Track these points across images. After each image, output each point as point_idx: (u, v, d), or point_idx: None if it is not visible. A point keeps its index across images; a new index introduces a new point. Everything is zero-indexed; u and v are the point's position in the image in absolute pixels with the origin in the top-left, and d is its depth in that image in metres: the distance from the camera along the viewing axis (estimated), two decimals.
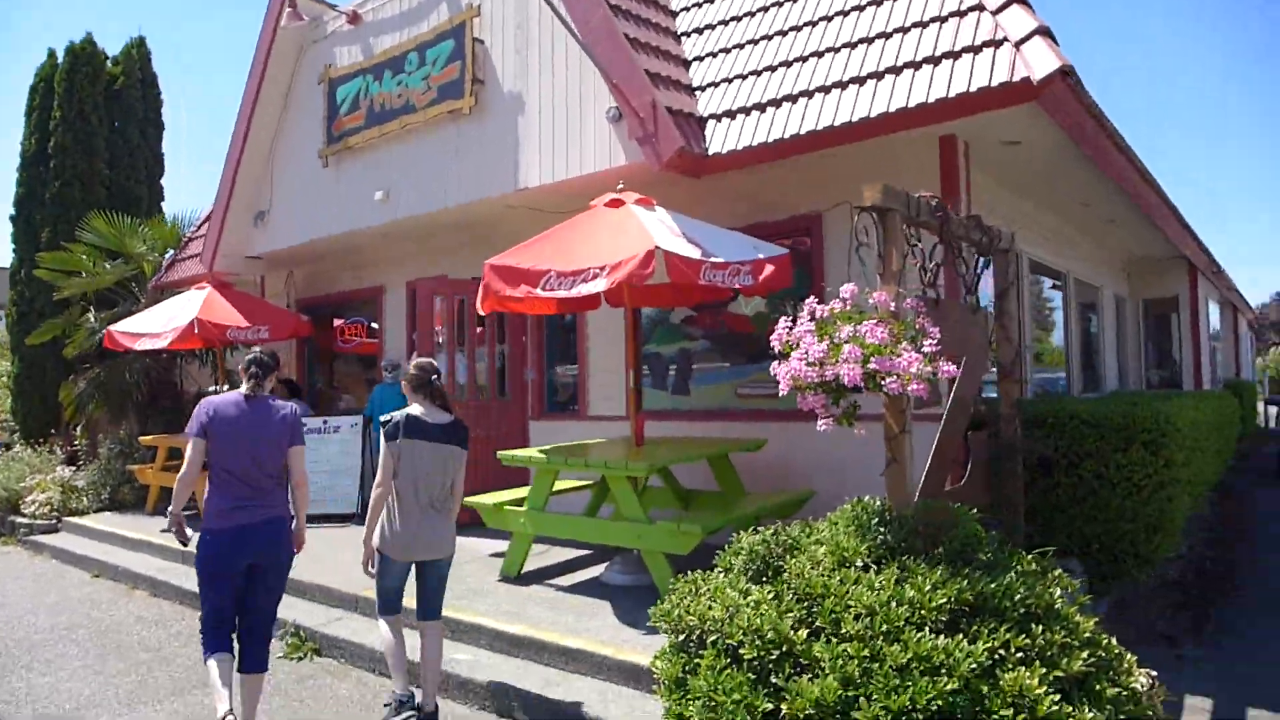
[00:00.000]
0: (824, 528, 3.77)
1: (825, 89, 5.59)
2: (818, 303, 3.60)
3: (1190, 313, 12.49)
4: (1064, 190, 7.63)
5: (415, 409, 4.17)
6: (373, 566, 4.14)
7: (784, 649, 3.10)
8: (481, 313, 5.80)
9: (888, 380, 3.26)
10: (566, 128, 6.90)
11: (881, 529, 3.56)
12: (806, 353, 3.43)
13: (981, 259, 5.13)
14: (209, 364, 11.68)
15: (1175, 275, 12.36)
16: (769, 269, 5.39)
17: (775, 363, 3.55)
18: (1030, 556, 3.68)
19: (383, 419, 4.17)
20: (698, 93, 6.53)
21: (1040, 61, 4.63)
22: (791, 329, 3.59)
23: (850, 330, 3.38)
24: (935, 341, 3.36)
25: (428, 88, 8.06)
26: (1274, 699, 4.28)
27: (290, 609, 5.78)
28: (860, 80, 5.44)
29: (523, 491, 6.00)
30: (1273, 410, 21.54)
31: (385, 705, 4.13)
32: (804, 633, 3.12)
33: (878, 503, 3.74)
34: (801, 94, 5.72)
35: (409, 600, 4.24)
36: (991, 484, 5.00)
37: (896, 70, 5.28)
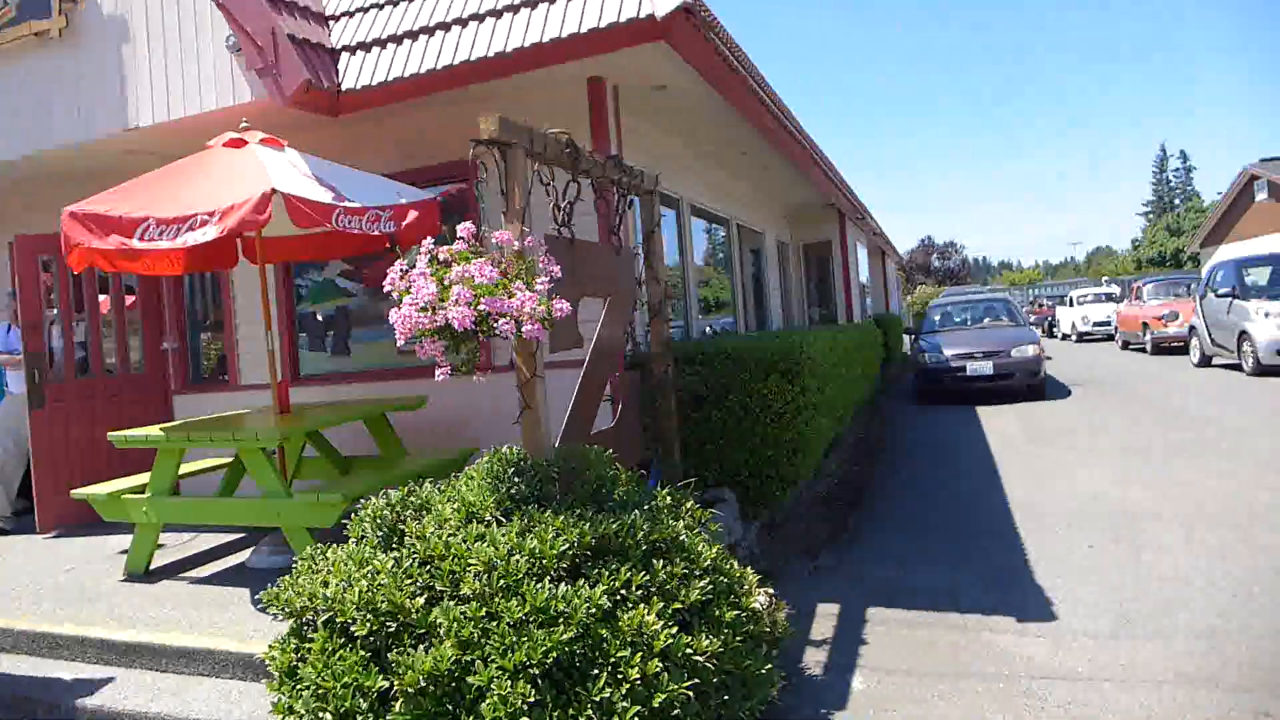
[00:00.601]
0: (461, 484, 3.54)
1: (463, 21, 5.26)
2: (435, 244, 3.34)
3: (841, 255, 13.83)
4: (718, 137, 7.94)
5: None
6: None
7: (401, 620, 2.84)
8: (73, 271, 4.90)
9: (500, 322, 3.07)
10: (182, 57, 5.99)
11: (516, 479, 3.39)
12: (417, 297, 3.16)
13: (628, 200, 5.14)
14: None
15: (829, 222, 13.60)
16: (413, 214, 5.03)
17: (393, 310, 3.25)
18: (665, 491, 3.70)
19: None
20: (331, 22, 5.93)
21: None
22: (407, 273, 3.30)
23: (460, 270, 3.14)
24: (549, 279, 3.21)
25: (4, 4, 6.68)
26: (890, 597, 4.73)
27: None
28: (498, 14, 5.17)
29: (147, 478, 5.21)
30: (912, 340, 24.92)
31: None
32: (421, 599, 2.88)
33: (515, 452, 3.57)
34: (439, 26, 5.34)
35: None
36: (648, 424, 5.08)
37: (533, 4, 5.08)
